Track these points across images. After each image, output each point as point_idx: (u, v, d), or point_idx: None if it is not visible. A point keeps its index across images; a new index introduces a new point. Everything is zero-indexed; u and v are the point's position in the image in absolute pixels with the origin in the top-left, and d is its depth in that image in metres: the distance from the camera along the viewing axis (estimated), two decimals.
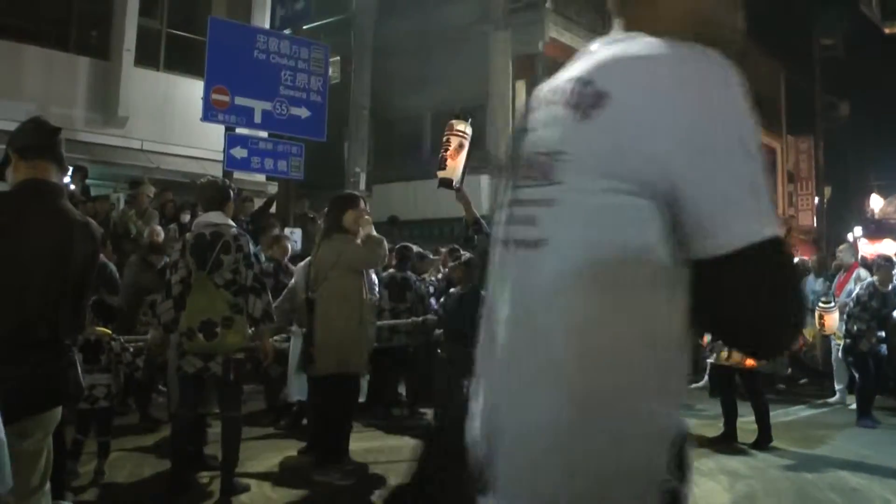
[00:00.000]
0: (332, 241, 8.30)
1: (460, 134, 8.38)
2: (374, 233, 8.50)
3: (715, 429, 10.90)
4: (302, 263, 10.00)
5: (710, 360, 10.55)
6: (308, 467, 8.39)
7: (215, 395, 7.74)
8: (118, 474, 8.10)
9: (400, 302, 11.92)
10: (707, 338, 10.51)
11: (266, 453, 9.23)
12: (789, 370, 16.55)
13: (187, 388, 7.54)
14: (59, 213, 4.41)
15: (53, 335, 4.26)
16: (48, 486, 4.39)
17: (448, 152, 8.28)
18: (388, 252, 9.08)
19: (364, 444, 9.81)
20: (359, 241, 8.28)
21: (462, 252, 11.54)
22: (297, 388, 10.36)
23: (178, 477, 7.55)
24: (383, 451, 9.68)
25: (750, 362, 9.98)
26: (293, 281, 10.06)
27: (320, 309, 8.21)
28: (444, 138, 8.36)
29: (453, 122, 8.43)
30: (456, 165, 8.27)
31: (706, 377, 15.39)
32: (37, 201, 4.35)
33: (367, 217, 8.53)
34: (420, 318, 10.99)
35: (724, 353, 10.05)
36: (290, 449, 9.32)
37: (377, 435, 10.62)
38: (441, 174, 8.26)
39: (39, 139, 4.50)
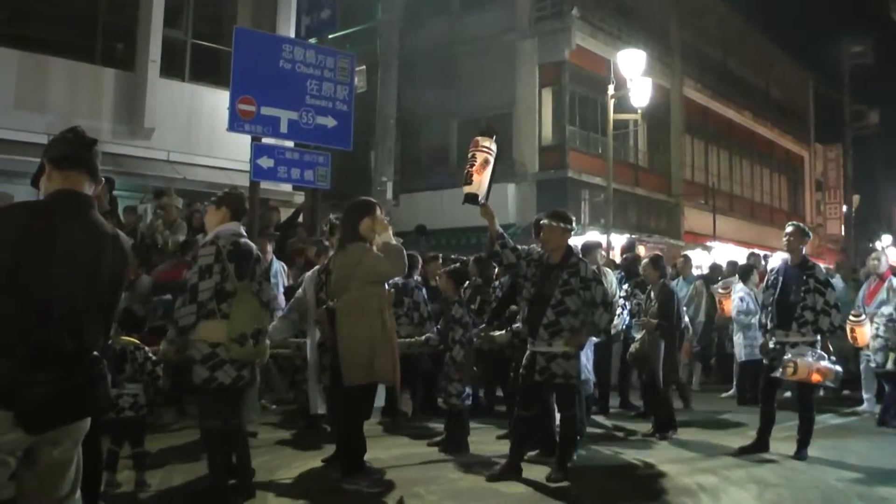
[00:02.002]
0: (347, 251, 8.17)
1: (485, 150, 8.58)
2: (393, 240, 8.38)
3: (741, 437, 10.84)
4: (309, 273, 9.91)
5: (775, 375, 10.18)
6: (335, 476, 8.33)
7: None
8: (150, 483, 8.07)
9: (397, 307, 12.01)
10: (771, 345, 10.26)
11: (293, 462, 9.17)
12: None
13: (219, 399, 7.51)
14: (90, 226, 4.40)
15: (81, 347, 4.25)
16: (78, 494, 4.39)
17: (473, 167, 8.53)
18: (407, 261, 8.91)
19: (393, 451, 9.83)
20: (375, 248, 8.16)
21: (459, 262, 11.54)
22: (318, 400, 10.29)
23: (219, 489, 7.56)
24: (411, 457, 9.67)
25: (816, 378, 9.73)
26: (300, 290, 9.95)
27: (342, 321, 8.16)
28: (470, 154, 8.60)
29: (479, 138, 8.68)
30: (481, 181, 8.49)
31: (734, 388, 15.30)
32: (68, 213, 4.32)
33: (384, 222, 8.40)
34: (423, 337, 10.92)
35: (790, 369, 9.70)
36: (314, 458, 9.24)
37: (404, 442, 10.64)
38: (467, 189, 8.55)
39: (75, 150, 4.49)
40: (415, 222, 22.06)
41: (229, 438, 7.73)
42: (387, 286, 8.56)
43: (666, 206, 34.07)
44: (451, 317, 10.14)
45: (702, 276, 17.71)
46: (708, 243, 32.82)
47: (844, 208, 49.82)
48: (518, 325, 10.32)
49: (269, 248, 12.45)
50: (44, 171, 4.48)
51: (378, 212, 8.31)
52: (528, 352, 8.74)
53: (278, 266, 12.72)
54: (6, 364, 3.99)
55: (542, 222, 8.86)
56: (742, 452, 10.16)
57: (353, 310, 8.06)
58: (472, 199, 8.61)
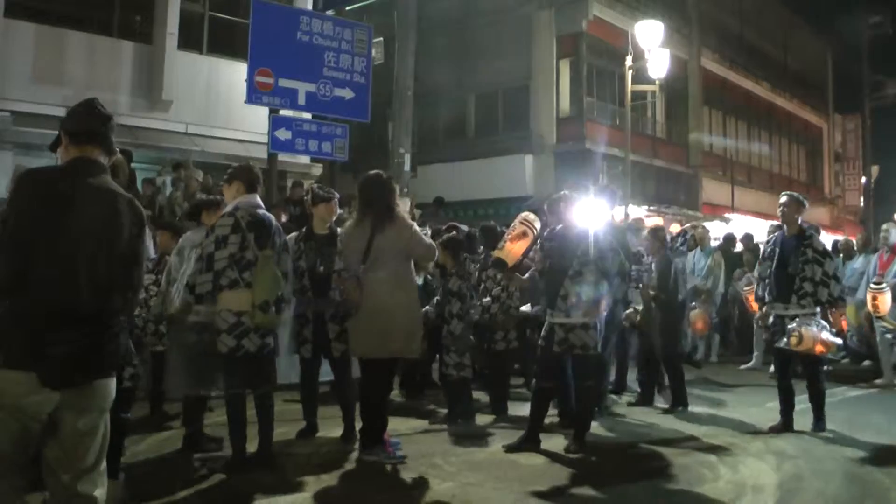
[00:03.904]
0: (397, 224, 8.16)
1: (527, 224, 8.95)
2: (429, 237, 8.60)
3: (759, 409, 10.94)
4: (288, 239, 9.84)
5: (779, 345, 10.00)
6: (354, 448, 8.40)
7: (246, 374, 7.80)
8: (171, 453, 8.13)
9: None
10: (770, 319, 10.08)
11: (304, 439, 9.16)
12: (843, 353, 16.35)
13: (245, 367, 7.66)
14: (107, 189, 4.53)
15: (102, 305, 4.34)
16: (104, 465, 4.47)
17: (510, 236, 8.92)
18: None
19: (411, 423, 9.97)
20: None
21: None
22: (287, 370, 10.14)
23: (240, 458, 7.69)
24: (429, 429, 9.79)
25: (819, 349, 9.47)
26: None
27: (385, 292, 8.09)
28: (513, 224, 9.07)
29: (527, 212, 9.22)
30: (512, 250, 8.84)
31: (753, 359, 15.27)
32: (85, 177, 4.46)
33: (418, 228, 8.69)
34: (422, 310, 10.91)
35: (795, 339, 9.42)
36: (333, 430, 9.21)
37: (422, 414, 10.69)
38: (496, 254, 9.02)
39: (90, 125, 4.61)
40: (432, 194, 22.09)
41: (258, 407, 7.82)
42: None
43: (684, 178, 33.99)
44: (449, 290, 10.17)
45: (720, 248, 17.66)
46: (726, 215, 32.75)
47: (863, 179, 49.54)
48: (487, 299, 10.63)
49: (283, 218, 12.52)
50: (61, 142, 4.61)
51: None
52: (546, 323, 8.75)
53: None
54: (27, 325, 4.10)
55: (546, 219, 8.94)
56: (772, 432, 9.85)
57: (403, 281, 8.20)
58: (499, 263, 9.03)
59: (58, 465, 4.28)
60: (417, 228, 8.33)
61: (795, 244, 9.88)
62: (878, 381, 13.95)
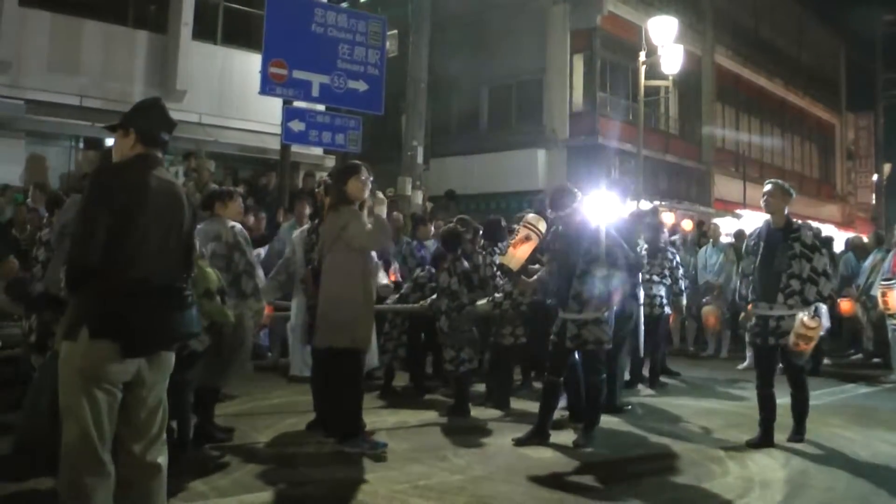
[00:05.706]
0: (338, 213, 8.12)
1: (530, 227, 8.93)
2: (384, 215, 8.47)
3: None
4: (297, 233, 9.83)
5: (783, 342, 8.73)
6: (332, 441, 8.37)
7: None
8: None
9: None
10: (753, 320, 9.20)
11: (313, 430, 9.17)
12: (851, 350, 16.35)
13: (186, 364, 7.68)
14: (169, 180, 5.11)
15: (171, 281, 4.89)
16: (165, 434, 4.96)
17: (513, 241, 8.98)
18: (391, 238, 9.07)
19: (421, 416, 10.04)
20: (365, 211, 8.16)
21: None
22: (300, 363, 10.13)
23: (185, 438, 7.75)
24: (438, 422, 9.80)
25: (794, 340, 8.55)
26: (289, 250, 9.89)
27: (326, 281, 8.19)
28: (517, 228, 9.11)
29: (530, 216, 9.20)
30: (516, 255, 8.87)
31: (747, 358, 15.19)
32: (150, 170, 4.94)
33: (383, 198, 8.69)
34: (427, 301, 10.85)
35: (794, 338, 8.53)
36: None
37: (432, 407, 10.68)
38: (501, 259, 9.21)
39: (162, 135, 5.13)
40: (445, 187, 22.11)
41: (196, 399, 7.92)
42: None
43: (696, 173, 33.92)
44: (439, 286, 10.22)
45: (732, 244, 17.67)
46: (738, 211, 32.70)
47: (875, 177, 49.43)
48: (499, 294, 10.47)
49: (308, 210, 12.65)
50: (124, 133, 5.04)
51: (363, 173, 8.25)
52: (558, 318, 8.77)
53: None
54: (110, 298, 4.63)
55: (549, 218, 8.91)
56: (749, 446, 8.94)
57: (337, 271, 8.10)
58: (504, 269, 9.18)
59: (129, 438, 4.75)
60: (359, 218, 8.04)
61: (782, 237, 8.99)
62: (889, 378, 13.92)
